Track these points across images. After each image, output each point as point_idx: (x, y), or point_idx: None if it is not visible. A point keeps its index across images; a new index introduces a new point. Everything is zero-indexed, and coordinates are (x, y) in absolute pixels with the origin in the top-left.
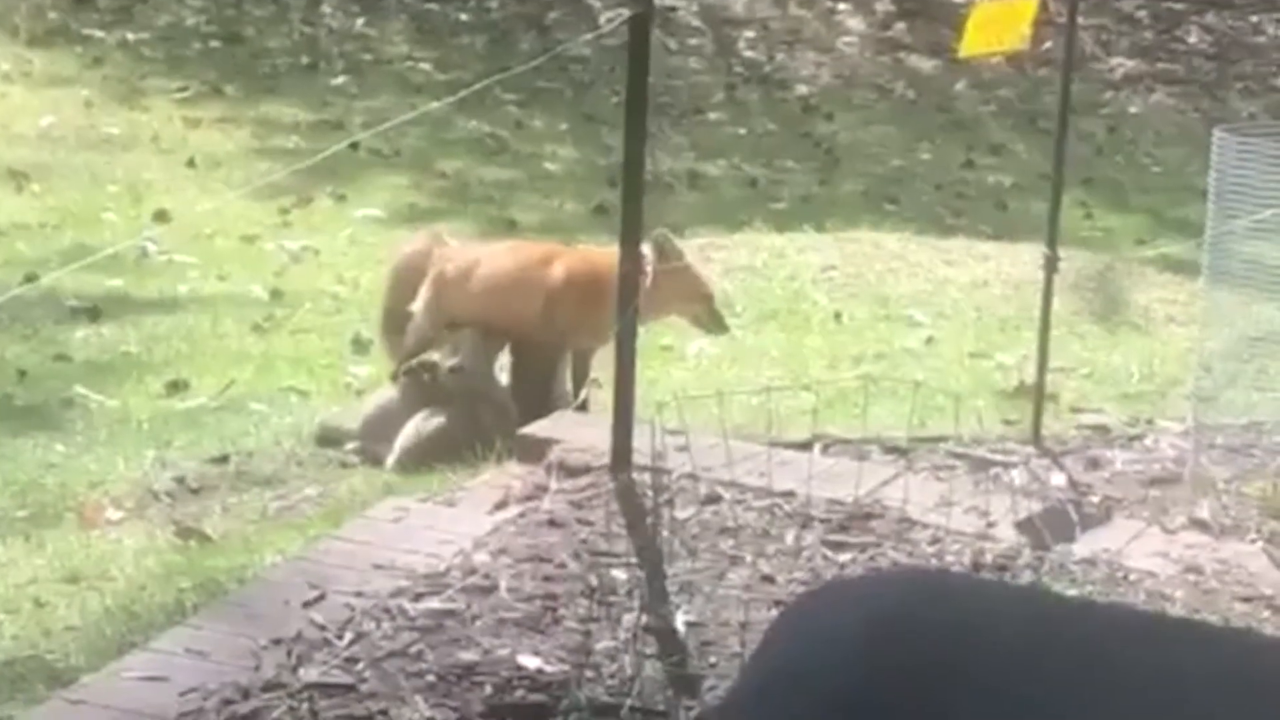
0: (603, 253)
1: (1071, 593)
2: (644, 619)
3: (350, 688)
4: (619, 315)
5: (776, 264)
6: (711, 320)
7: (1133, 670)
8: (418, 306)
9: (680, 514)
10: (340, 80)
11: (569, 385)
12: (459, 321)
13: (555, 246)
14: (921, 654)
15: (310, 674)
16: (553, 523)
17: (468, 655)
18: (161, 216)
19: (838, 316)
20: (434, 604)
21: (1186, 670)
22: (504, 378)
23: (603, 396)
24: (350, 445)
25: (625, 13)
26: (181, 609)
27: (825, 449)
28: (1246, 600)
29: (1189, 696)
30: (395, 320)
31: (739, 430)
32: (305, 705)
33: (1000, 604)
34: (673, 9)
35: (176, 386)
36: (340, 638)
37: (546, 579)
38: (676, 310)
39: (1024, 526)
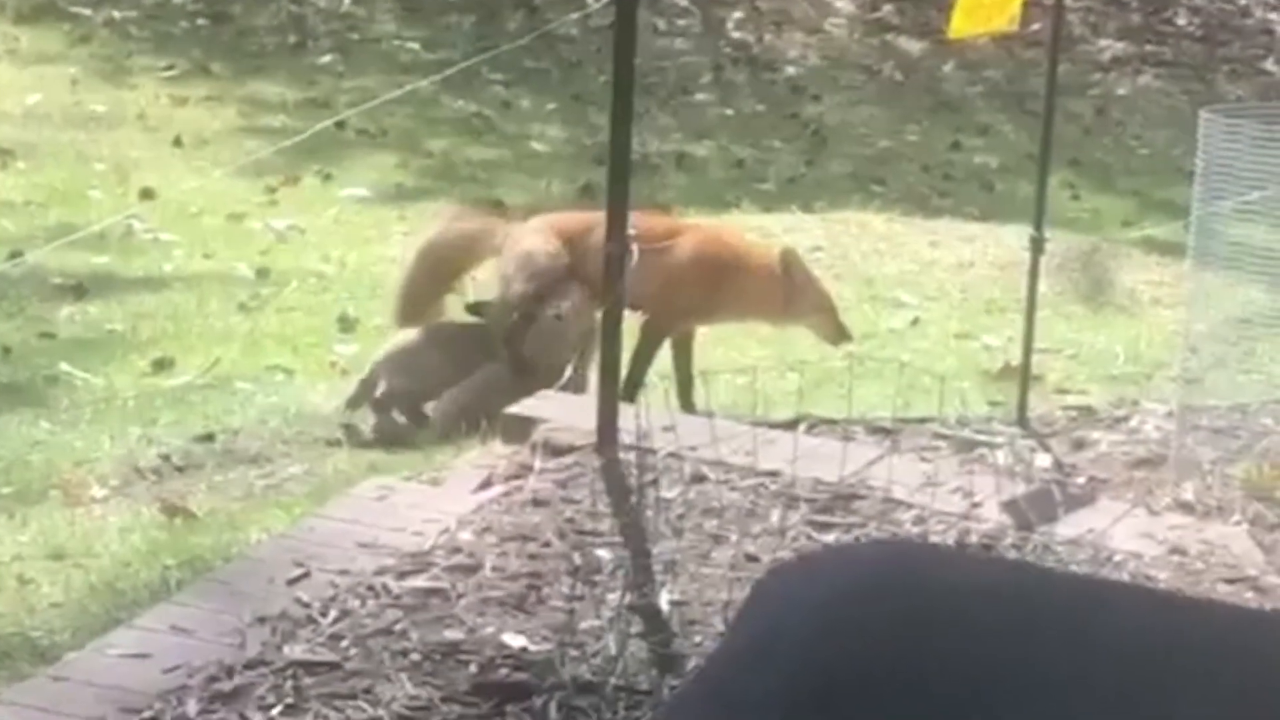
0: (729, 231)
1: None
2: (628, 598)
3: (335, 665)
4: (604, 297)
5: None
6: (836, 331)
7: (1115, 640)
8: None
9: (665, 493)
10: (327, 59)
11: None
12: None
13: (678, 221)
14: (898, 623)
15: (295, 651)
16: (537, 502)
17: (452, 634)
18: (147, 194)
19: None
20: (418, 582)
21: (1169, 640)
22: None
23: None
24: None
25: None
26: (166, 586)
27: (810, 429)
28: (1230, 582)
29: (1171, 666)
30: (417, 298)
31: (725, 410)
32: (289, 683)
33: (978, 573)
34: None
35: (162, 364)
36: (325, 615)
37: (531, 558)
38: (805, 323)
39: (1009, 507)
